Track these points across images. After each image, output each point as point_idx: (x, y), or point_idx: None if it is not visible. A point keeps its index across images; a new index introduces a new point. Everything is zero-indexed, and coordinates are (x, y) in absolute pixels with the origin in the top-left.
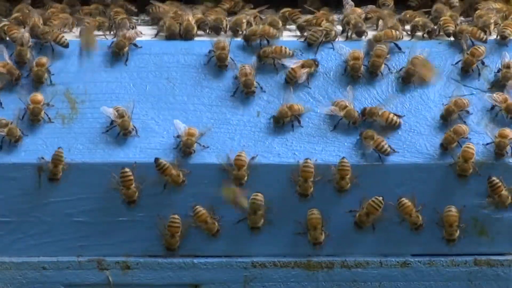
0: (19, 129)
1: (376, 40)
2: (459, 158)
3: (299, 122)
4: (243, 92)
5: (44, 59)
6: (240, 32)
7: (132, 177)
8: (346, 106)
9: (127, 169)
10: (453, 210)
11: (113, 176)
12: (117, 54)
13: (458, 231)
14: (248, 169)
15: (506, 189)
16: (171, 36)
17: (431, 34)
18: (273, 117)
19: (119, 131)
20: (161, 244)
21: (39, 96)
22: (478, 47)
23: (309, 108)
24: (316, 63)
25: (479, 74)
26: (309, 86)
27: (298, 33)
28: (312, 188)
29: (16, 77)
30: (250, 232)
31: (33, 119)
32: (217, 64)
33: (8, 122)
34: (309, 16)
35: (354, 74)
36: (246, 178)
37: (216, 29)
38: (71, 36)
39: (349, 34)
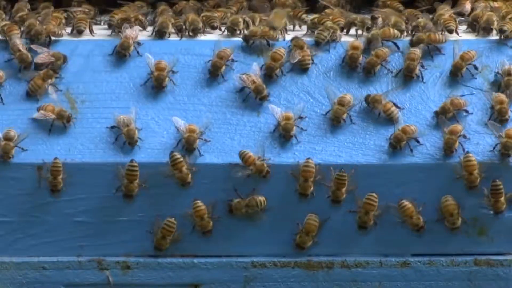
0: None
1: (374, 37)
2: (463, 172)
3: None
4: (257, 99)
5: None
6: (238, 32)
7: (138, 173)
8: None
9: (135, 163)
10: (450, 199)
11: (119, 169)
12: (123, 55)
13: (460, 219)
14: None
15: (505, 196)
16: (161, 34)
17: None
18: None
19: (124, 141)
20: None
21: (50, 106)
22: (469, 51)
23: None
24: (296, 39)
25: (473, 76)
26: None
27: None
28: (312, 188)
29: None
30: (251, 232)
31: (68, 121)
32: (209, 70)
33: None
34: (315, 15)
35: (352, 64)
36: (266, 167)
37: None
38: (70, 36)
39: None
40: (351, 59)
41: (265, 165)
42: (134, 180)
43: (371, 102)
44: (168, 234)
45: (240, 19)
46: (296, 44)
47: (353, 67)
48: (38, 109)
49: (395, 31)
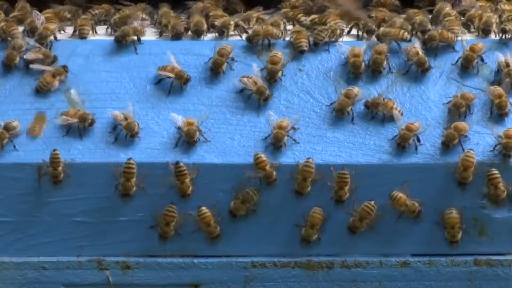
0: None
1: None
2: (459, 165)
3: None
4: (260, 100)
5: None
6: (226, 34)
7: (135, 171)
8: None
9: (132, 161)
10: (454, 212)
11: (116, 168)
12: (119, 42)
13: (460, 233)
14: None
15: (504, 185)
16: (176, 36)
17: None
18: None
19: (126, 134)
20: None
21: (72, 111)
22: (477, 43)
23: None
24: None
25: (478, 71)
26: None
27: None
28: (309, 188)
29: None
30: (251, 232)
31: (90, 124)
32: (211, 67)
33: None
34: (314, 16)
35: (355, 71)
36: (275, 175)
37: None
38: (68, 36)
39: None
40: (354, 67)
41: (274, 173)
42: (131, 178)
43: (371, 107)
44: (171, 220)
45: (232, 22)
46: (295, 29)
47: (357, 74)
48: (60, 114)
49: (406, 33)
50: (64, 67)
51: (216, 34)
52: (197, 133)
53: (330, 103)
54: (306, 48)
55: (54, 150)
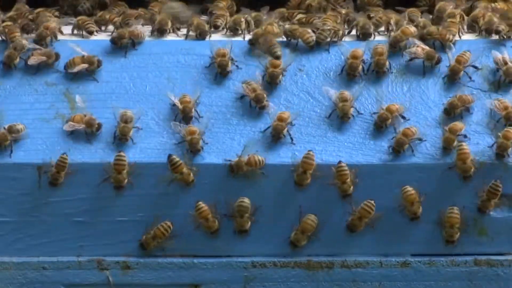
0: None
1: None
2: (456, 161)
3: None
4: (256, 108)
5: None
6: (240, 32)
7: (125, 163)
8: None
9: (122, 154)
10: (455, 211)
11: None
12: (115, 43)
13: (458, 233)
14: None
15: (498, 198)
16: (160, 31)
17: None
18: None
19: (116, 134)
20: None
21: (78, 116)
22: (463, 53)
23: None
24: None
25: (470, 78)
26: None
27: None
28: (308, 180)
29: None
30: (251, 232)
31: (97, 129)
32: (218, 71)
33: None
34: (302, 15)
35: (350, 73)
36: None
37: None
38: (70, 36)
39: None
40: (351, 68)
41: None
42: (122, 171)
43: (388, 118)
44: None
45: (243, 19)
46: (292, 28)
47: (351, 76)
48: (67, 121)
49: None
50: (99, 61)
51: (229, 32)
52: (200, 142)
53: (329, 114)
54: (314, 41)
55: (64, 153)
